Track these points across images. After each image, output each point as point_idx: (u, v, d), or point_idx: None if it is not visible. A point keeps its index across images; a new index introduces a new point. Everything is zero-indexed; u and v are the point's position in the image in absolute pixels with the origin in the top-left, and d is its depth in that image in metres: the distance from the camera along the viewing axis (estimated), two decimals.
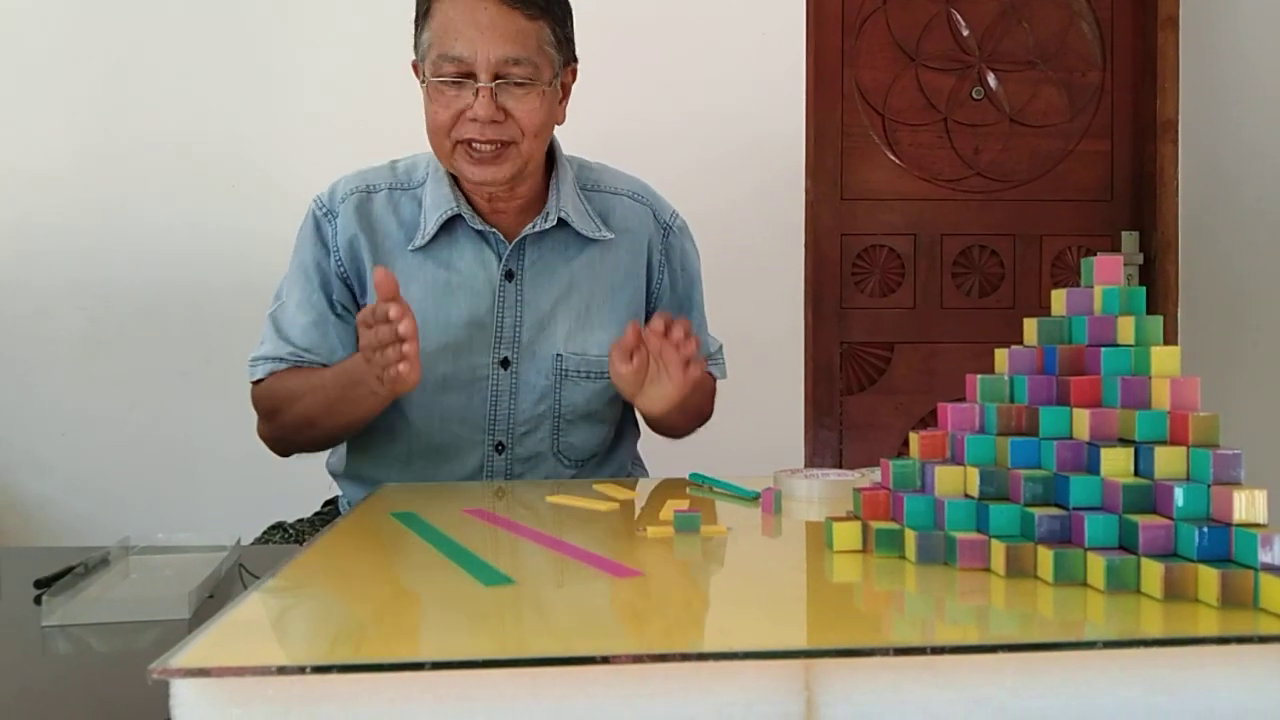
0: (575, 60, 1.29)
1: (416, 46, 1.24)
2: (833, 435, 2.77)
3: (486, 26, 1.15)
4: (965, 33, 2.76)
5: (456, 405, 1.30)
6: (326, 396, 1.20)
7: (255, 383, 1.29)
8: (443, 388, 1.29)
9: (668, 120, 2.51)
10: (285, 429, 1.26)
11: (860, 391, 2.78)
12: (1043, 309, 2.82)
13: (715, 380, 1.47)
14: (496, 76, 1.17)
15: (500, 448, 1.32)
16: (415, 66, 1.26)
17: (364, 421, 1.24)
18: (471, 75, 1.17)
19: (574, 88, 1.31)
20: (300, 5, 2.49)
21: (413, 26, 1.24)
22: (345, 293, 1.30)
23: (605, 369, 1.33)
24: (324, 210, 1.30)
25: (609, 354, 1.21)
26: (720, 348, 1.48)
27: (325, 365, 1.27)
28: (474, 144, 1.20)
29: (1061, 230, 2.79)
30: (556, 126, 1.29)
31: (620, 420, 1.42)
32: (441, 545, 0.81)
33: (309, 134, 2.46)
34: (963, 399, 0.79)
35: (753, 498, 1.00)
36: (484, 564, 0.73)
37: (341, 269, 1.29)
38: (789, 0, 2.59)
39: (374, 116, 2.35)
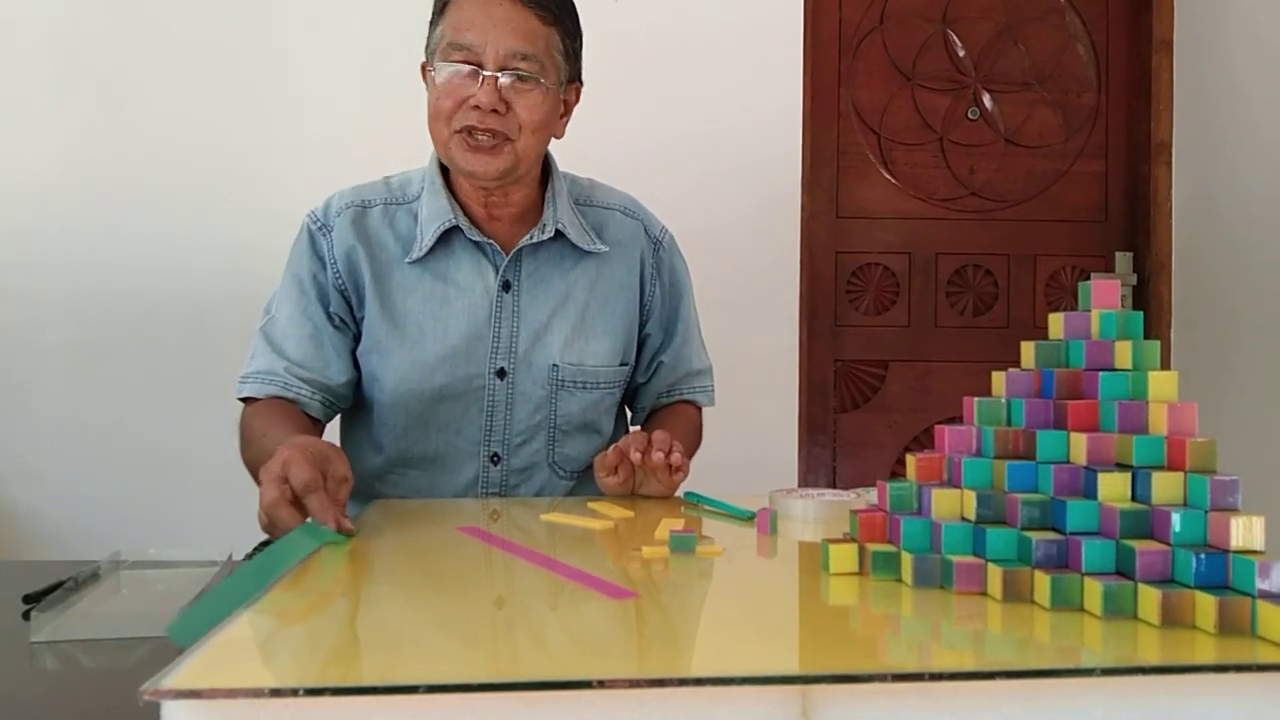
0: (580, 81, 1.30)
1: (428, 45, 1.24)
2: (826, 453, 2.76)
3: (500, 20, 1.17)
4: (961, 53, 2.77)
5: (453, 416, 1.30)
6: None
7: (243, 400, 1.28)
8: (439, 398, 1.29)
9: (665, 138, 2.52)
10: (245, 463, 1.23)
11: (854, 409, 2.78)
12: (1037, 328, 2.84)
13: (701, 410, 1.48)
14: (504, 69, 1.18)
15: (496, 459, 1.32)
16: (424, 68, 1.26)
17: None
18: (479, 65, 1.18)
19: (574, 106, 1.32)
20: (297, 20, 2.50)
21: (427, 27, 1.25)
22: (342, 304, 1.29)
23: (601, 379, 1.34)
24: (319, 225, 1.30)
25: (593, 464, 1.21)
26: (710, 370, 1.48)
27: (318, 382, 1.26)
28: (472, 132, 1.20)
29: (1056, 250, 2.80)
30: (554, 140, 1.30)
31: (614, 433, 1.42)
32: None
33: (304, 147, 2.47)
34: (956, 418, 0.79)
35: (748, 517, 1.00)
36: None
37: (339, 280, 1.29)
38: (786, 20, 2.61)
39: (369, 130, 2.36)
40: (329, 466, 0.96)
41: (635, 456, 1.13)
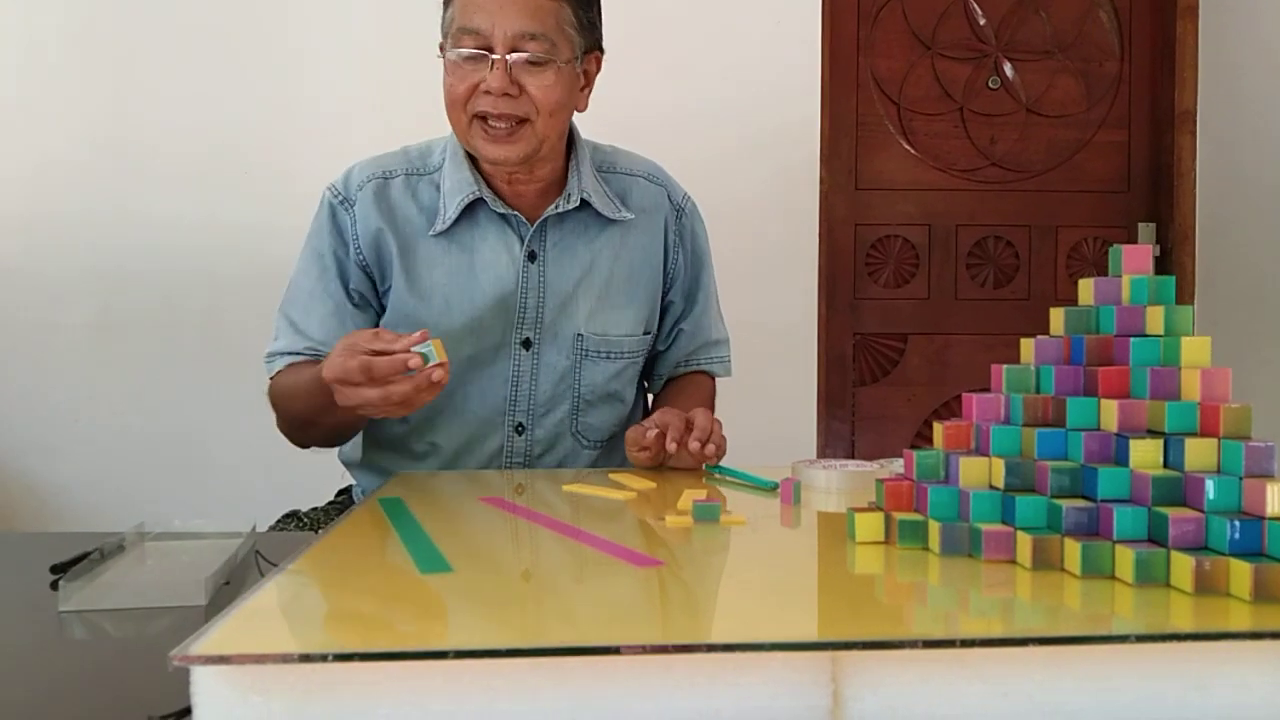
0: (600, 50, 1.27)
1: (442, 27, 1.23)
2: (845, 426, 2.76)
3: (507, 2, 1.15)
4: (982, 21, 2.73)
5: (478, 387, 1.30)
6: (314, 402, 1.14)
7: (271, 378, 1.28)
8: (465, 369, 1.29)
9: (683, 107, 2.50)
10: (290, 426, 1.25)
11: (873, 383, 2.77)
12: (1058, 301, 2.80)
13: (715, 380, 1.47)
14: (514, 51, 1.16)
15: (520, 429, 1.32)
16: (441, 47, 1.25)
17: (364, 420, 1.23)
18: (489, 49, 1.16)
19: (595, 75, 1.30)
20: (310, 2, 2.49)
21: (441, 8, 1.24)
22: (364, 281, 1.28)
23: (624, 349, 1.34)
24: (340, 198, 1.29)
25: (625, 436, 1.21)
26: (727, 341, 1.47)
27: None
28: (489, 120, 1.19)
29: (1077, 221, 2.77)
30: (576, 113, 1.28)
31: (634, 401, 1.42)
32: (402, 526, 0.81)
33: (320, 125, 2.46)
34: (976, 391, 0.78)
35: (771, 488, 0.99)
36: (431, 549, 0.73)
37: (360, 257, 1.27)
38: None
39: (385, 107, 2.35)
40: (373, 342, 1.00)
41: (671, 447, 1.12)
